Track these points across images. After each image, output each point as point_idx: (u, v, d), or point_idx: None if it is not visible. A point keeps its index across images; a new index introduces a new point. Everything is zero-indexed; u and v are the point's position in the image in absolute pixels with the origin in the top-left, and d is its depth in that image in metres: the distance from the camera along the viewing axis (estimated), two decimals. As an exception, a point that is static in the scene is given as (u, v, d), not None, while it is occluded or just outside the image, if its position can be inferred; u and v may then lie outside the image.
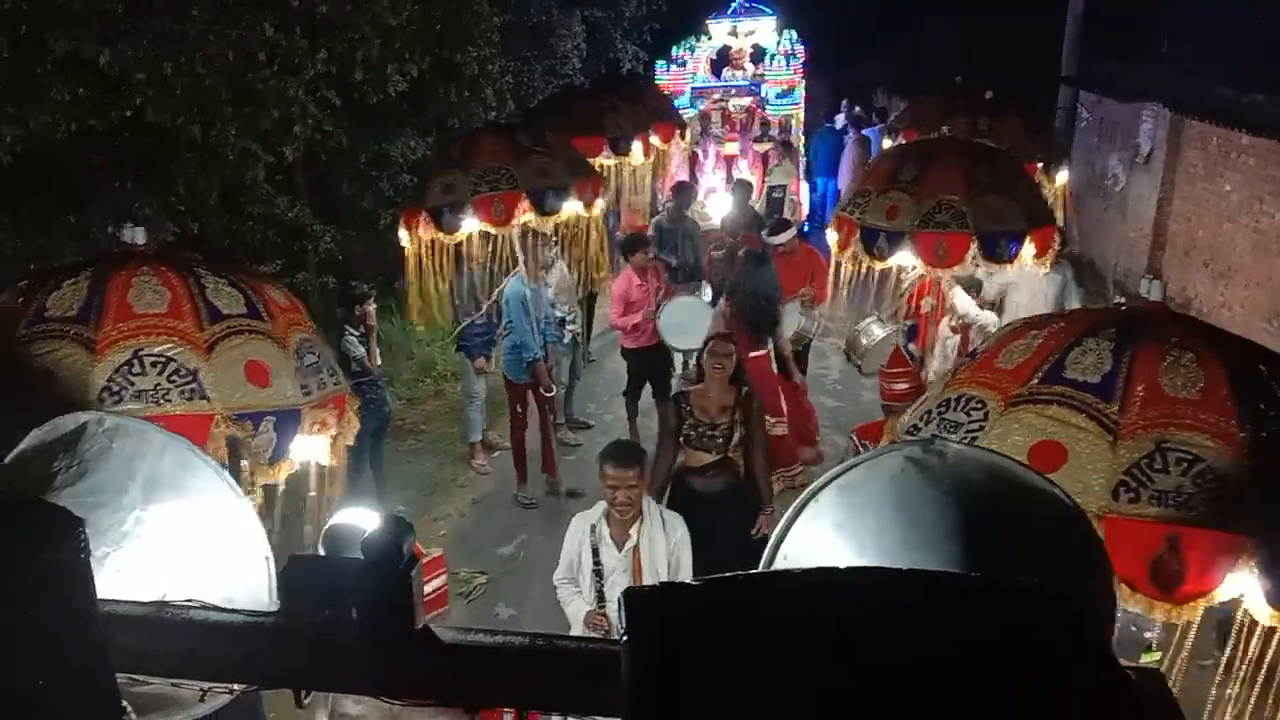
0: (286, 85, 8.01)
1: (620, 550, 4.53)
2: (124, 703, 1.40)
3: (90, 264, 3.77)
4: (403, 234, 7.18)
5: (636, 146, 10.79)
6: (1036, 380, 3.11)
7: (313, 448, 3.76)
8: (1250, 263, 10.09)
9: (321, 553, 1.45)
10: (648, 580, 4.49)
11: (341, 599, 1.35)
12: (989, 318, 7.21)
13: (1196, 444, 2.81)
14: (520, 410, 8.07)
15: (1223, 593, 2.73)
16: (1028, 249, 6.34)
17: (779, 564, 1.59)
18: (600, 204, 7.85)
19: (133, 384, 3.33)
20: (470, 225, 6.93)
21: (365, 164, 10.33)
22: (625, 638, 1.04)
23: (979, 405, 3.17)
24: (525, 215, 6.90)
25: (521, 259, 7.58)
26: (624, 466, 4.40)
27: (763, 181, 14.15)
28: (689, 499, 5.56)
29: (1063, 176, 10.44)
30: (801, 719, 0.94)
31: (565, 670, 1.37)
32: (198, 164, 7.77)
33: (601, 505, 4.57)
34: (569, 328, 8.96)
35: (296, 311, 4.00)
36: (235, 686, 1.46)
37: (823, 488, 1.65)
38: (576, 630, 4.58)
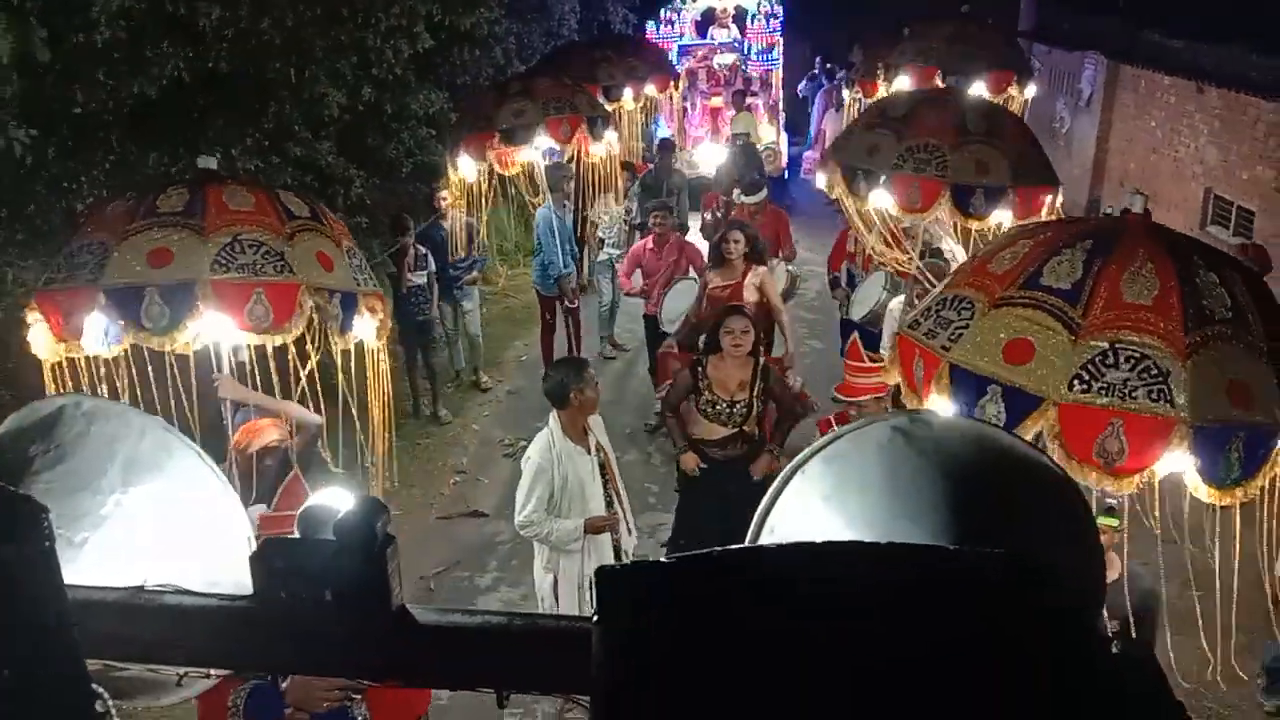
0: (365, 35, 9.18)
1: (590, 453, 5.06)
2: (99, 688, 1.38)
3: (184, 180, 4.62)
4: (463, 160, 8.55)
5: (628, 93, 11.76)
6: (1017, 285, 3.47)
7: (366, 328, 4.44)
8: (1170, 186, 12.04)
9: (295, 534, 1.43)
10: (614, 463, 5.19)
11: (316, 582, 1.32)
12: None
13: (1145, 345, 3.20)
14: (549, 317, 9.70)
15: (1159, 469, 3.19)
16: (1005, 209, 5.88)
17: (765, 538, 1.55)
18: (611, 137, 9.30)
19: (235, 259, 4.01)
20: (541, 142, 8.57)
21: (389, 117, 10.96)
22: (595, 617, 1.01)
23: (968, 305, 3.54)
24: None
25: (545, 187, 9.05)
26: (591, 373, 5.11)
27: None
28: (707, 464, 5.72)
29: (1030, 89, 11.09)
30: (775, 700, 0.92)
31: (546, 650, 1.32)
32: (291, 102, 8.85)
33: (550, 433, 4.99)
34: (608, 249, 10.36)
35: (341, 226, 4.74)
36: (212, 671, 1.44)
37: (808, 459, 1.62)
38: (575, 546, 4.90)
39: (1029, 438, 3.17)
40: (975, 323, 3.45)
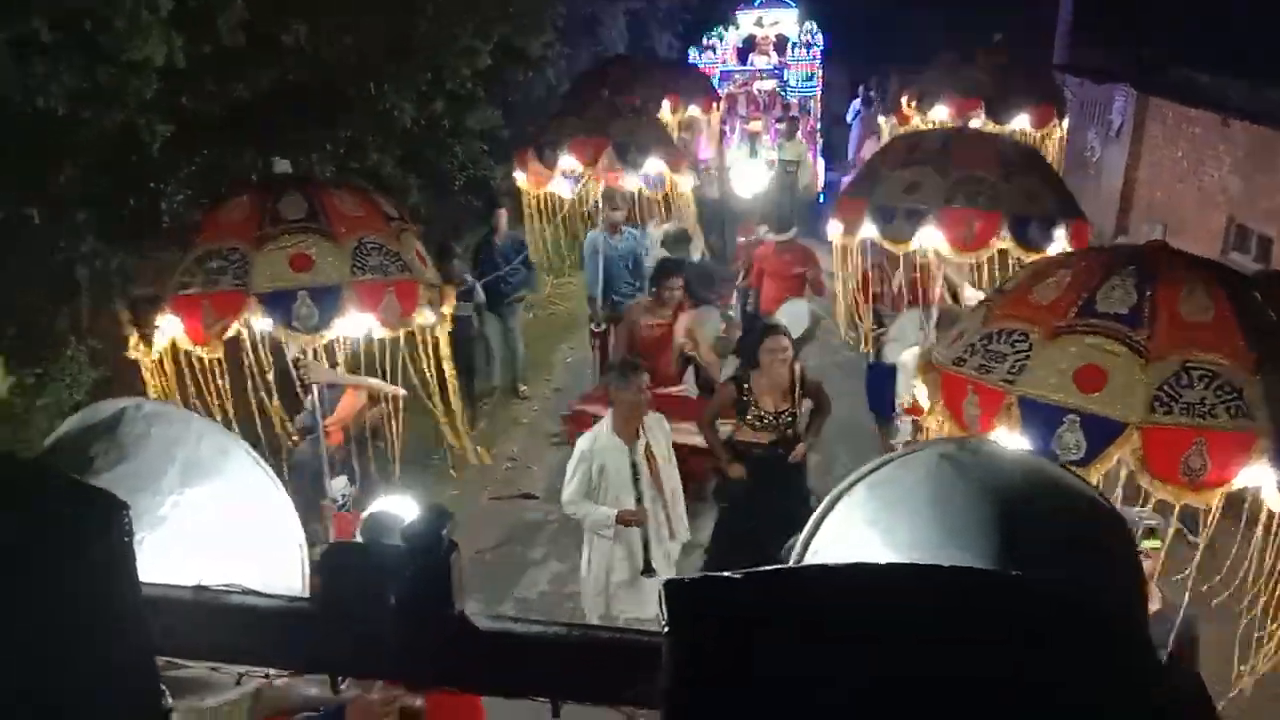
0: (438, 54, 9.61)
1: (636, 451, 5.24)
2: (164, 688, 1.41)
3: (301, 180, 4.92)
4: (518, 175, 8.57)
5: (665, 105, 11.40)
6: (1073, 313, 3.46)
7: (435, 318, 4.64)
8: (1194, 215, 12.33)
9: (360, 540, 1.46)
10: (662, 468, 5.29)
11: (380, 586, 1.34)
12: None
13: (1213, 362, 3.24)
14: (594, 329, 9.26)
15: (1238, 482, 3.24)
16: (1059, 240, 5.60)
17: (809, 560, 1.59)
18: (690, 177, 8.93)
19: (366, 261, 4.34)
20: (564, 162, 8.21)
21: (445, 132, 11.37)
22: (667, 629, 1.04)
23: (1022, 337, 3.52)
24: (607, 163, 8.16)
25: (603, 213, 8.75)
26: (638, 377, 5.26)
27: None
28: (749, 461, 5.95)
29: (1066, 123, 10.92)
30: (834, 714, 0.94)
31: (603, 661, 1.35)
32: (363, 115, 9.28)
33: (604, 424, 5.30)
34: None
35: (371, 218, 4.65)
36: (271, 671, 1.47)
37: (853, 485, 1.64)
38: (607, 533, 5.21)
39: (1112, 462, 3.27)
40: (1036, 353, 3.44)
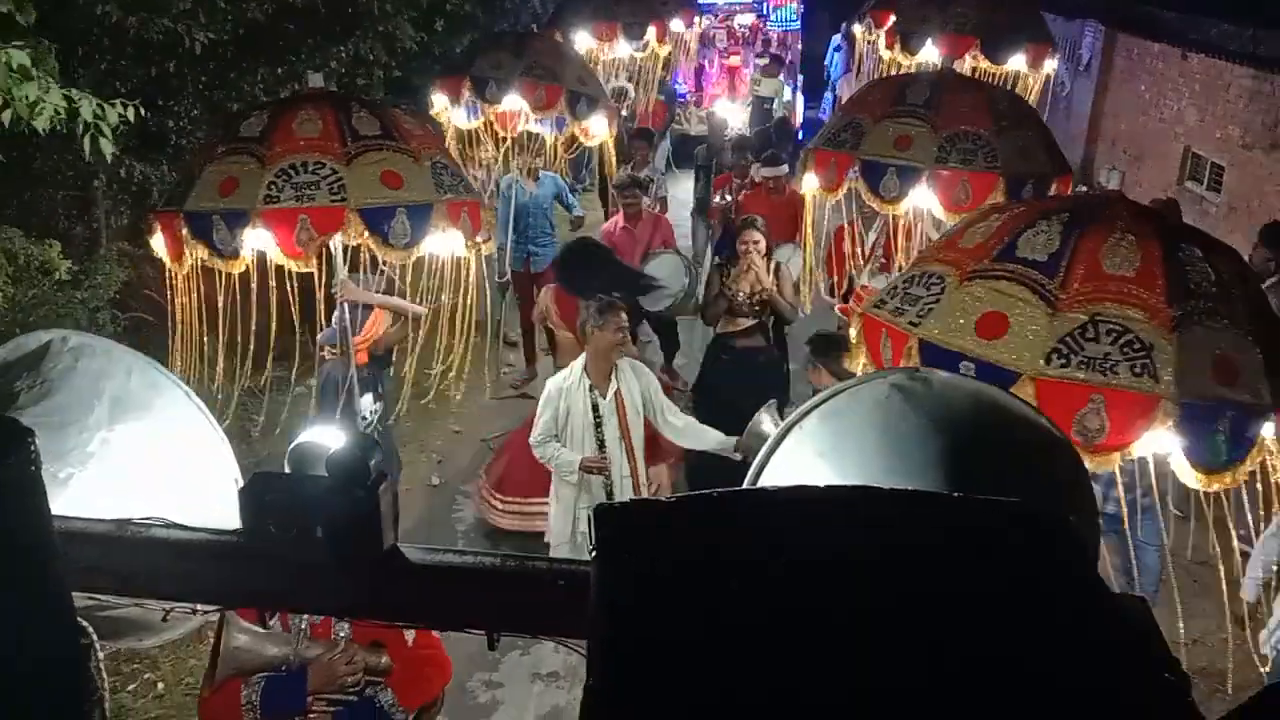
0: None
1: (605, 397, 5.00)
2: (86, 624, 1.35)
3: (270, 104, 5.06)
4: (438, 97, 7.76)
5: (650, 32, 10.76)
6: (990, 258, 3.26)
7: (452, 239, 4.55)
8: (1154, 146, 12.81)
9: (287, 470, 1.39)
10: (631, 418, 5.05)
11: (307, 518, 1.28)
12: None
13: (1127, 317, 3.00)
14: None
15: (1138, 448, 2.99)
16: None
17: (759, 488, 1.54)
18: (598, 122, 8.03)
19: (291, 180, 4.20)
20: (512, 101, 7.55)
21: (432, 58, 11.04)
22: (594, 554, 0.99)
23: (938, 280, 3.32)
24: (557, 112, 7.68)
25: (515, 162, 8.18)
26: (616, 316, 4.98)
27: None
28: (731, 354, 6.48)
29: (1049, 65, 10.05)
30: (771, 639, 0.90)
31: (537, 591, 1.30)
32: (366, 33, 9.14)
33: (576, 364, 5.03)
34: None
35: (425, 139, 4.73)
36: (199, 607, 1.41)
37: (804, 415, 1.59)
38: (571, 479, 5.00)
39: None
40: (946, 297, 3.25)
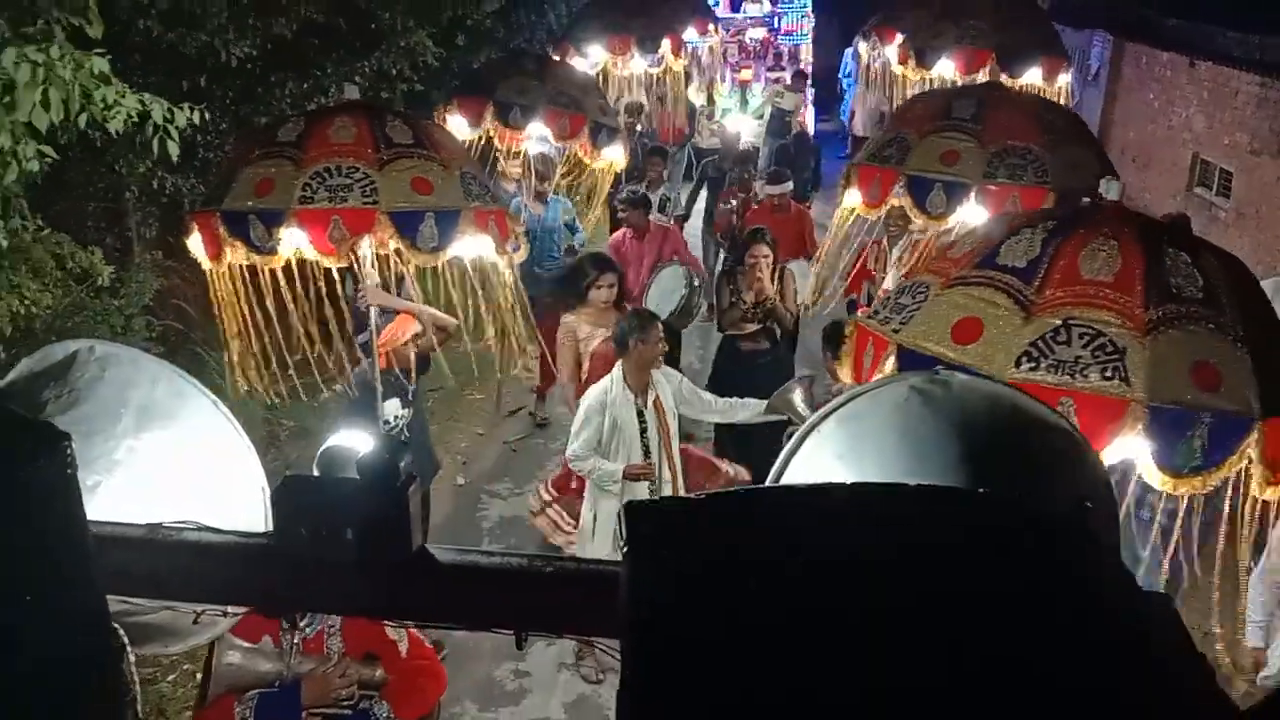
0: None
1: (646, 406, 5.15)
2: (118, 627, 1.36)
3: (307, 112, 5.32)
4: (457, 119, 7.59)
5: (665, 44, 10.49)
6: (972, 266, 3.26)
7: (481, 244, 4.67)
8: (1162, 153, 13.03)
9: (316, 474, 1.41)
10: (669, 423, 5.20)
11: (336, 520, 1.29)
12: None
13: (1100, 320, 2.96)
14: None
15: (1110, 454, 2.88)
16: None
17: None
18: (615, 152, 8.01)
19: (325, 182, 4.35)
20: (536, 129, 7.61)
21: (451, 73, 11.09)
22: (626, 551, 1.00)
23: (923, 289, 3.34)
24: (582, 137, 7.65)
25: (522, 178, 8.04)
26: (656, 328, 5.13)
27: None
28: (737, 354, 6.75)
29: (1063, 79, 9.83)
30: (788, 639, 0.91)
31: (565, 591, 1.31)
32: (394, 48, 9.35)
33: (615, 376, 5.13)
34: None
35: (452, 150, 4.92)
36: (229, 609, 1.42)
37: (824, 419, 1.60)
38: (615, 488, 5.07)
39: None
40: (927, 305, 3.26)
